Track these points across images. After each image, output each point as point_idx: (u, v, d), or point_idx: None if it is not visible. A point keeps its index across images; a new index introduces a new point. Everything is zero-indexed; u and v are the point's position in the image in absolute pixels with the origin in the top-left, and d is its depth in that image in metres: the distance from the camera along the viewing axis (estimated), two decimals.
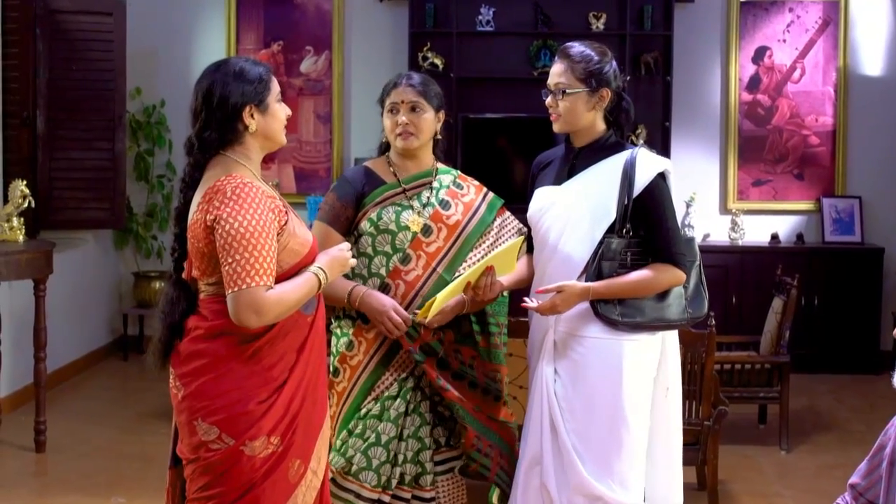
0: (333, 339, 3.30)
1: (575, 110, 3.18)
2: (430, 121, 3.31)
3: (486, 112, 7.42)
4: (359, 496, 3.19)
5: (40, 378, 5.35)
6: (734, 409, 4.98)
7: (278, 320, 2.63)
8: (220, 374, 2.62)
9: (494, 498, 3.51)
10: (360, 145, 7.51)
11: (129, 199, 7.41)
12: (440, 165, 3.41)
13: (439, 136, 3.39)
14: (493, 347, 3.31)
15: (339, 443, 3.22)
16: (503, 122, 7.44)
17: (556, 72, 3.20)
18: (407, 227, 3.27)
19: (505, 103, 7.42)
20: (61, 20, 6.68)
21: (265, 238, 2.58)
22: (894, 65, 7.50)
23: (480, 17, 7.39)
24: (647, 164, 3.13)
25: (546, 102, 3.23)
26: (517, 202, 3.68)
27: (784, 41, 7.52)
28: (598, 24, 7.33)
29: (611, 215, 3.12)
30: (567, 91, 3.17)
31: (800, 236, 7.47)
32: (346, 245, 2.88)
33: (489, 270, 3.14)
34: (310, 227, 3.00)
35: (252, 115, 2.71)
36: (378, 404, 3.23)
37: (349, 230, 3.31)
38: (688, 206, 7.23)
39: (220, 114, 2.67)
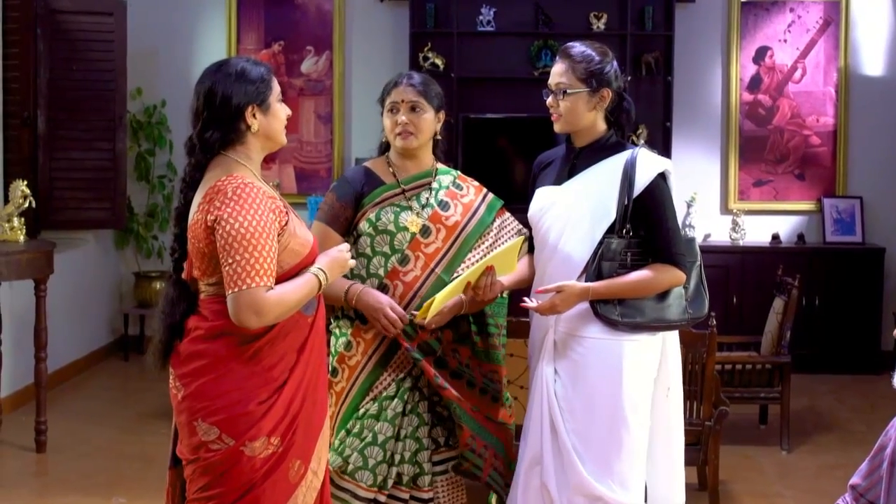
0: (332, 340, 3.30)
1: (576, 110, 3.18)
2: (430, 121, 3.31)
3: (487, 112, 7.42)
4: (355, 496, 3.18)
5: (41, 378, 5.35)
6: (735, 409, 4.97)
7: (278, 321, 2.63)
8: (221, 375, 2.62)
9: (493, 501, 3.51)
10: (360, 145, 7.50)
11: (130, 199, 7.41)
12: (440, 166, 3.41)
13: (439, 137, 3.38)
14: (491, 348, 3.30)
15: (336, 442, 3.22)
16: (504, 122, 7.44)
17: (557, 72, 3.20)
18: (405, 228, 3.27)
19: (506, 103, 7.41)
20: (62, 20, 6.69)
21: (266, 238, 2.58)
22: (895, 65, 7.50)
23: (481, 18, 7.39)
24: (648, 165, 3.13)
25: (547, 102, 3.23)
26: (518, 202, 3.67)
27: (785, 41, 7.52)
28: (599, 25, 7.32)
29: (611, 215, 3.11)
30: (568, 91, 3.16)
31: (801, 236, 7.47)
32: (346, 246, 2.88)
33: (489, 270, 3.14)
34: (309, 227, 3.00)
35: (254, 115, 2.71)
36: (376, 404, 3.23)
37: (348, 230, 3.31)
38: (689, 206, 7.22)
39: (222, 114, 2.67)
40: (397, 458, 3.22)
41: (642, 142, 7.04)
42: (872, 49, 7.50)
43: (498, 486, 3.30)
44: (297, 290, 2.66)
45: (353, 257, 2.93)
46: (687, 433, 3.44)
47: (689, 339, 4.12)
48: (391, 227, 3.26)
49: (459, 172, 3.46)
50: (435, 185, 3.35)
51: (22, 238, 5.40)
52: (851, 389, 6.79)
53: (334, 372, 3.26)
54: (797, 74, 7.52)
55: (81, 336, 7.06)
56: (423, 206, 3.31)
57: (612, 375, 3.08)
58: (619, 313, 3.08)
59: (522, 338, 3.51)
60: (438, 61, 7.30)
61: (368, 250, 3.27)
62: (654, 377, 3.19)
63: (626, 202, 3.10)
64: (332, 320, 3.31)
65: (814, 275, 7.02)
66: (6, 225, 5.39)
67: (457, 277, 3.20)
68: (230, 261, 2.55)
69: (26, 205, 5.44)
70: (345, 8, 7.62)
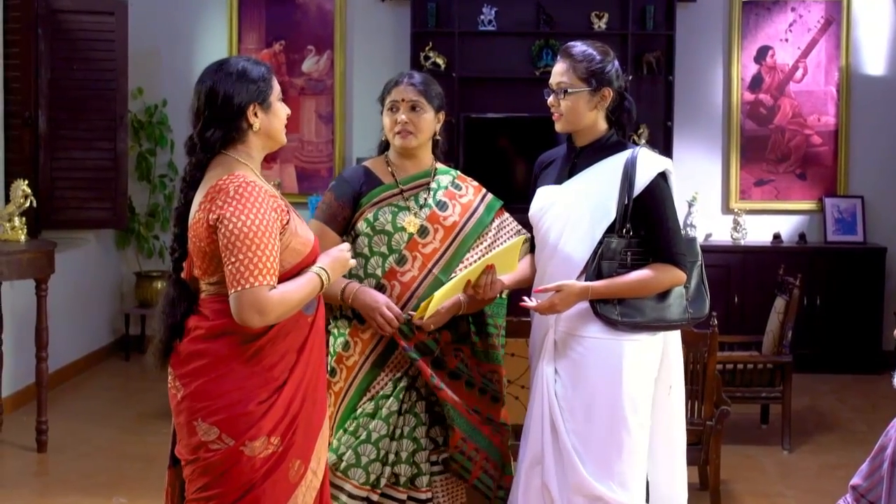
0: (330, 340, 3.29)
1: (577, 110, 3.17)
2: (430, 121, 3.31)
3: (488, 112, 7.42)
4: (349, 494, 3.18)
5: (42, 378, 5.35)
6: (736, 408, 4.97)
7: (281, 320, 2.63)
8: (221, 375, 2.62)
9: None
10: (361, 145, 7.50)
11: (131, 198, 7.41)
12: (439, 166, 3.40)
13: (438, 137, 3.38)
14: (490, 348, 3.30)
15: (334, 441, 3.21)
16: (505, 121, 7.44)
17: (558, 71, 3.20)
18: (403, 229, 3.26)
19: (507, 103, 7.41)
20: (63, 20, 6.69)
21: (268, 237, 2.58)
22: None
23: (482, 17, 7.39)
24: (648, 164, 3.13)
25: (548, 102, 3.23)
26: (518, 202, 3.67)
27: (786, 41, 7.51)
28: (601, 24, 7.32)
29: (611, 215, 3.11)
30: (569, 90, 3.16)
31: (802, 236, 7.46)
32: (347, 245, 2.88)
33: (489, 269, 3.14)
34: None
35: (256, 114, 2.71)
36: (372, 403, 3.23)
37: (346, 230, 3.30)
38: (690, 205, 7.21)
39: (223, 113, 2.67)
40: (392, 457, 3.21)
41: (643, 141, 7.04)
42: (874, 48, 7.50)
43: (487, 489, 3.28)
44: (300, 289, 2.65)
45: (352, 257, 2.92)
46: (688, 433, 3.44)
47: (690, 339, 4.12)
48: (389, 228, 3.26)
49: (459, 172, 3.46)
50: (433, 185, 3.34)
51: (23, 238, 5.40)
52: (853, 389, 6.79)
53: (332, 372, 3.25)
54: (798, 74, 7.51)
55: (82, 336, 7.06)
56: (421, 207, 3.30)
57: (612, 375, 3.08)
58: (619, 313, 3.08)
59: (523, 337, 3.51)
60: (439, 61, 7.30)
61: (366, 250, 3.26)
62: (654, 377, 3.19)
63: (626, 202, 3.10)
64: (330, 320, 3.30)
65: (815, 274, 7.01)
66: (7, 224, 5.39)
67: (455, 277, 3.20)
68: (233, 260, 2.55)
69: (27, 204, 5.44)
70: (346, 7, 7.62)
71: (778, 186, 7.56)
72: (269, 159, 7.19)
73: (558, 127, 3.24)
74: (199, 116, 2.70)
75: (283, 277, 2.64)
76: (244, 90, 2.68)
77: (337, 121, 7.66)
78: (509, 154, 7.51)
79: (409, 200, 3.31)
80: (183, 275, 2.74)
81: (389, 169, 3.35)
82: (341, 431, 3.23)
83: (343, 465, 3.19)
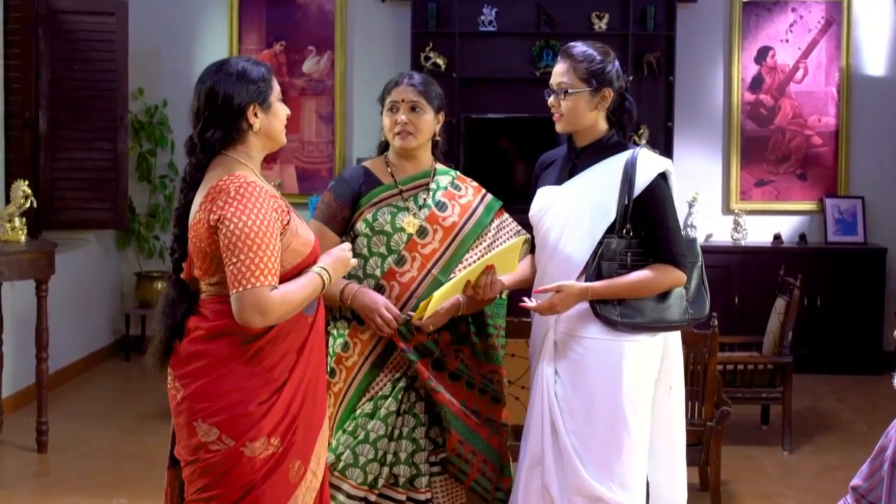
0: (330, 340, 3.29)
1: (577, 110, 3.17)
2: (430, 121, 3.30)
3: (489, 112, 7.42)
4: (346, 494, 3.17)
5: (42, 378, 5.35)
6: (737, 409, 4.97)
7: (282, 321, 2.63)
8: (221, 375, 2.61)
9: None
10: (362, 145, 7.50)
11: (131, 199, 7.41)
12: (439, 166, 3.40)
13: (438, 138, 3.37)
14: (490, 349, 3.30)
15: (333, 442, 3.21)
16: (505, 122, 7.44)
17: (559, 71, 3.20)
18: (402, 229, 3.26)
19: (507, 103, 7.41)
20: (63, 20, 6.69)
21: (269, 238, 2.57)
22: None
23: (483, 18, 7.39)
24: (648, 164, 3.13)
25: (548, 102, 3.22)
26: (519, 202, 3.66)
27: (787, 41, 7.51)
28: (601, 25, 7.32)
29: (611, 215, 3.11)
30: (569, 91, 3.16)
31: (802, 237, 7.46)
32: (348, 245, 2.88)
33: (489, 269, 3.13)
34: None
35: (256, 114, 2.71)
36: (371, 404, 3.23)
37: (345, 230, 3.30)
38: (690, 206, 7.21)
39: (224, 113, 2.67)
40: (391, 458, 3.21)
41: (644, 142, 7.04)
42: (874, 49, 7.50)
43: (484, 491, 3.28)
44: (301, 289, 2.65)
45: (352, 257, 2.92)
46: (689, 433, 3.44)
47: (690, 340, 4.12)
48: (388, 228, 3.25)
49: (458, 173, 3.45)
50: (433, 185, 3.34)
51: (23, 238, 5.40)
52: (853, 390, 6.78)
53: (332, 373, 3.25)
54: (799, 74, 7.51)
55: (83, 336, 7.06)
56: (421, 207, 3.30)
57: (612, 376, 3.07)
58: (619, 313, 3.07)
59: (523, 338, 3.50)
60: (440, 61, 7.30)
61: (365, 251, 3.26)
62: (654, 378, 3.18)
63: (626, 202, 3.09)
64: (329, 321, 3.30)
65: (815, 275, 7.01)
66: (7, 225, 5.39)
67: (454, 277, 3.19)
68: (234, 260, 2.55)
69: (28, 205, 5.44)
70: (346, 8, 7.62)
71: (778, 187, 7.56)
72: (270, 160, 7.19)
73: (559, 127, 3.24)
74: (199, 117, 2.70)
75: (284, 278, 2.64)
76: (244, 90, 2.68)
77: (337, 121, 7.66)
78: (510, 154, 7.51)
79: (409, 201, 3.31)
80: (183, 275, 2.74)
81: (389, 169, 3.34)
82: (340, 432, 3.23)
83: (341, 464, 3.18)
